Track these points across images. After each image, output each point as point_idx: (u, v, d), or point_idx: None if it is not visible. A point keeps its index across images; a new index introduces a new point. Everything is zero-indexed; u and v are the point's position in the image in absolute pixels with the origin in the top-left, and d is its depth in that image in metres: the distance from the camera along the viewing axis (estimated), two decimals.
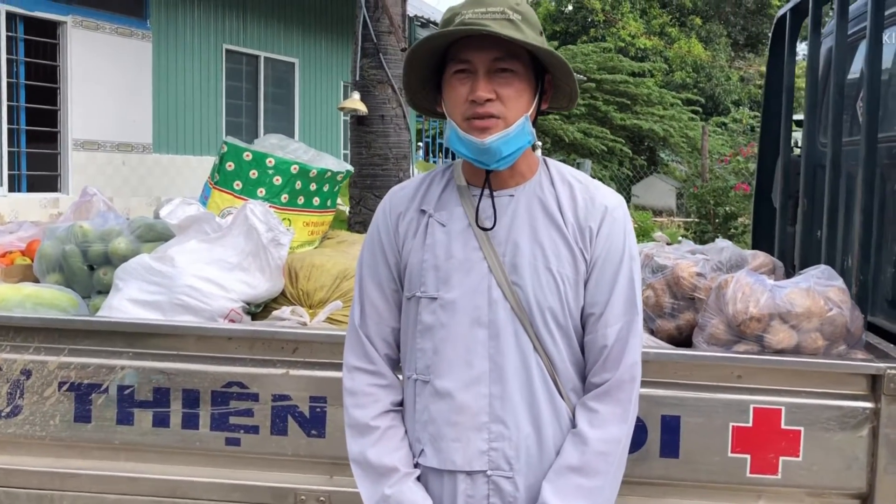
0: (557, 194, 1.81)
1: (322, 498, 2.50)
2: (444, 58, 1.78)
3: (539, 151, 2.02)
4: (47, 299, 2.91)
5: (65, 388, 2.58)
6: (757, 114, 21.44)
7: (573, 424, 1.78)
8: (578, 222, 1.79)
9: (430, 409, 1.79)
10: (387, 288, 1.87)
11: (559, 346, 1.77)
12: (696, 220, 13.03)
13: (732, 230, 11.48)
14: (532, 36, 1.72)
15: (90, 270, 3.12)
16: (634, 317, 1.79)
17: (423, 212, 1.84)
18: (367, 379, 1.86)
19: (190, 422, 2.55)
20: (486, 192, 1.79)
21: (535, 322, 1.76)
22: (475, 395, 1.76)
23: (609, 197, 1.83)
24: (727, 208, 11.98)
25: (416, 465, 1.83)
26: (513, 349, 1.76)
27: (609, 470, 1.75)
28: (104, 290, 3.03)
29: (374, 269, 1.88)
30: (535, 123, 1.80)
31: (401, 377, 1.91)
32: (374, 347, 1.87)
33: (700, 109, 22.25)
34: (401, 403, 1.88)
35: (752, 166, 12.34)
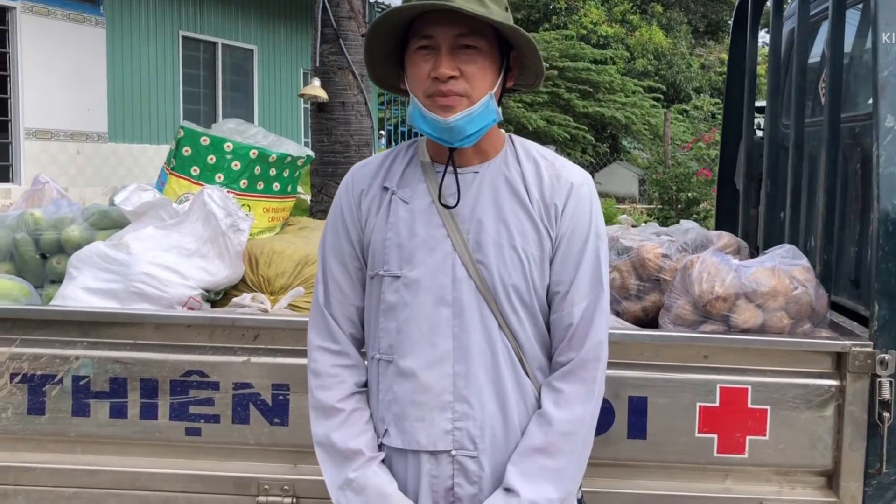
0: (523, 171, 1.78)
1: (286, 487, 2.45)
2: (407, 33, 1.74)
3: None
4: None
5: (17, 379, 2.50)
6: (718, 101, 21.68)
7: (539, 404, 1.76)
8: (544, 199, 1.76)
9: (393, 389, 1.77)
10: (350, 266, 1.84)
11: (524, 324, 1.75)
12: (659, 206, 13.13)
13: (695, 215, 11.58)
14: (497, 12, 1.68)
15: (42, 259, 3.03)
16: (600, 294, 1.77)
17: (386, 189, 1.81)
18: (331, 359, 1.83)
19: (149, 412, 2.48)
20: (450, 169, 1.76)
21: (499, 300, 1.73)
22: (439, 375, 1.74)
23: (575, 174, 1.80)
24: (689, 194, 12.09)
25: (381, 446, 1.80)
26: (477, 328, 1.73)
27: (574, 450, 1.73)
28: (57, 280, 2.94)
29: (338, 247, 1.84)
30: (500, 101, 1.77)
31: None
32: (338, 326, 1.84)
33: (661, 97, 22.40)
34: (366, 384, 1.85)
35: (714, 152, 12.46)
